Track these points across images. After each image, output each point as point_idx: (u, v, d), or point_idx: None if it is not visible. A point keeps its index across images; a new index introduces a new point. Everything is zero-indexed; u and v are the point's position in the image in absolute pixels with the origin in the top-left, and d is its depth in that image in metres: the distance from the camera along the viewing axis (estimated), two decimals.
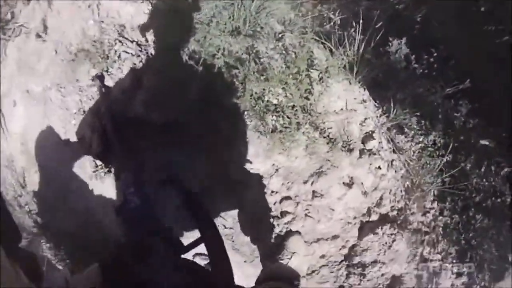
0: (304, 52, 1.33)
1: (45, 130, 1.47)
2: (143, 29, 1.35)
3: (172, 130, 1.24)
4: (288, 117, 1.25)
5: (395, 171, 1.49)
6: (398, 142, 1.51)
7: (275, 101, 1.26)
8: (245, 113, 1.25)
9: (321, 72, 1.31)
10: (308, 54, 1.33)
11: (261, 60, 1.28)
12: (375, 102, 1.48)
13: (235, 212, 1.36)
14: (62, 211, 1.62)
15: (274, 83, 1.24)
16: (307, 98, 1.29)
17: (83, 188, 1.49)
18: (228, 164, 1.28)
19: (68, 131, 1.39)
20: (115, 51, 1.31)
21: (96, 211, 1.50)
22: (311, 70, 1.30)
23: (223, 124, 1.26)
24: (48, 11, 1.59)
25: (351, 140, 1.38)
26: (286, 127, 1.25)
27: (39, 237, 1.76)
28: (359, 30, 1.43)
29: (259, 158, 1.26)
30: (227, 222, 1.37)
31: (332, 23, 1.50)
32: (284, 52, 1.33)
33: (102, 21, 1.41)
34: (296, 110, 1.25)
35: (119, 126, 1.16)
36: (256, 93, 1.23)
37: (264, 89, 1.25)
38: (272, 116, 1.24)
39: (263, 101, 1.24)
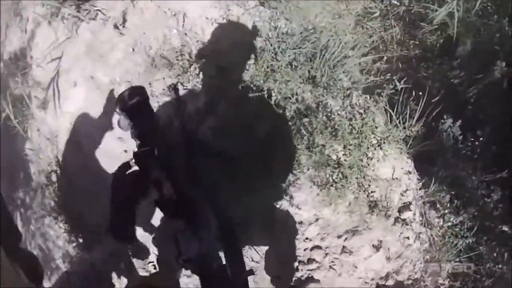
0: (368, 115, 1.39)
1: (101, 121, 1.50)
2: (224, 54, 1.40)
3: (231, 160, 1.28)
4: (342, 174, 1.30)
5: (420, 243, 1.56)
6: (429, 217, 1.58)
7: (334, 157, 1.31)
8: (304, 161, 1.29)
9: (381, 139, 1.37)
10: (371, 117, 1.39)
11: (329, 114, 1.34)
12: (418, 174, 1.55)
13: (265, 248, 1.39)
14: (87, 203, 1.64)
15: (337, 139, 1.30)
16: (361, 160, 1.35)
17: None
18: (271, 204, 1.33)
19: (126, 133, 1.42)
20: (195, 68, 1.35)
21: None
22: (372, 135, 1.36)
23: (280, 165, 1.31)
24: (130, 6, 1.63)
25: (390, 207, 1.44)
26: (338, 183, 1.30)
27: (56, 215, 1.77)
28: (421, 104, 1.50)
29: (307, 206, 1.31)
30: (256, 255, 1.41)
31: (395, 89, 1.57)
32: (350, 110, 1.38)
33: (186, 34, 1.45)
34: (352, 169, 1.30)
35: (189, 145, 1.19)
36: (319, 145, 1.28)
37: (326, 143, 1.30)
38: (328, 170, 1.29)
39: (323, 154, 1.29)
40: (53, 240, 1.82)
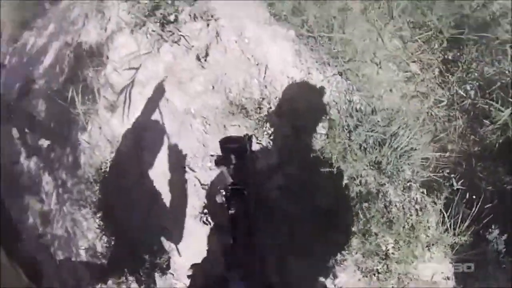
0: (424, 213, 1.39)
1: (170, 145, 1.54)
2: (300, 116, 1.43)
3: (291, 221, 1.29)
4: (387, 267, 1.30)
5: None
6: None
7: (383, 247, 1.30)
8: (355, 244, 1.30)
9: (431, 241, 1.36)
10: (426, 216, 1.39)
11: (388, 204, 1.34)
12: (455, 281, 1.52)
13: None
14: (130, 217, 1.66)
15: (391, 232, 1.29)
16: (408, 257, 1.34)
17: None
18: (316, 275, 1.32)
19: (193, 163, 1.45)
20: (272, 124, 1.37)
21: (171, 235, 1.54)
22: (424, 235, 1.35)
23: (334, 240, 1.31)
24: (214, 41, 1.68)
25: None
26: (382, 274, 1.30)
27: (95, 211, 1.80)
28: (474, 210, 1.49)
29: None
30: None
31: (452, 188, 1.56)
32: (408, 204, 1.38)
33: (266, 86, 1.50)
34: (398, 264, 1.29)
35: (258, 198, 1.22)
36: (372, 233, 1.28)
37: (379, 232, 1.30)
38: (376, 259, 1.29)
39: (371, 243, 1.29)
40: (83, 231, 1.86)
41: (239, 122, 1.40)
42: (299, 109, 1.44)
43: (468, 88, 2.01)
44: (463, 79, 2.00)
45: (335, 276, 1.30)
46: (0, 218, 0.94)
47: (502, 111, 1.78)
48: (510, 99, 1.85)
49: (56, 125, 2.35)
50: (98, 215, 1.78)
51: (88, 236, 1.90)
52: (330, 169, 1.30)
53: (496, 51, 1.92)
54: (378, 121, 1.44)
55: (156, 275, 1.57)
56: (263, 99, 1.45)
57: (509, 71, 1.92)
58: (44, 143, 2.44)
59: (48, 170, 2.32)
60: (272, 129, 1.36)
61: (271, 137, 1.36)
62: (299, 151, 1.34)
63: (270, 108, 1.41)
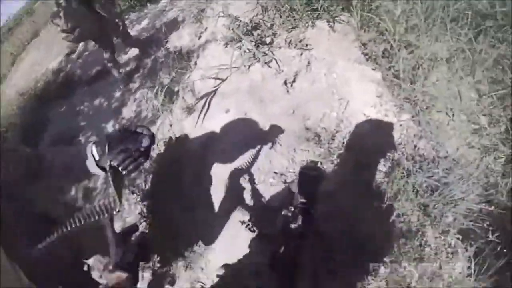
0: (453, 256, 1.61)
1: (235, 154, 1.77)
2: (366, 153, 1.64)
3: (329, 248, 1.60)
4: None
5: None
6: None
7: (408, 280, 1.58)
8: (380, 271, 1.58)
9: (454, 281, 1.60)
10: (455, 261, 1.61)
11: (424, 243, 1.58)
12: None
13: None
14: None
15: (419, 266, 1.55)
16: None
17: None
18: None
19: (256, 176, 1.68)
20: (338, 155, 1.61)
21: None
22: (447, 276, 1.59)
23: (361, 266, 1.60)
24: (303, 70, 1.84)
25: None
26: None
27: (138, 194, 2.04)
28: (501, 262, 1.66)
29: None
30: None
31: (486, 239, 1.74)
32: (441, 247, 1.61)
33: (342, 121, 1.70)
34: None
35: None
36: (402, 266, 1.55)
37: (408, 266, 1.56)
38: None
39: (398, 274, 1.56)
40: (122, 214, 1.96)
41: (309, 148, 1.65)
42: (367, 146, 1.65)
43: None
44: None
45: None
46: (0, 218, 0.94)
47: None
48: None
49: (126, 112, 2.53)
50: (144, 202, 1.92)
51: (126, 220, 2.03)
52: (381, 204, 1.55)
53: None
54: (438, 171, 1.62)
55: (183, 266, 1.68)
56: (337, 131, 1.67)
57: None
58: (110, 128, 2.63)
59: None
60: (338, 160, 1.61)
61: (336, 167, 1.61)
62: (357, 183, 1.59)
63: (343, 141, 1.63)
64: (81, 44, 3.76)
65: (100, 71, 3.27)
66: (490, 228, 1.86)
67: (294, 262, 1.32)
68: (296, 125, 1.74)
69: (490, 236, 1.82)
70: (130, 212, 2.00)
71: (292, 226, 1.31)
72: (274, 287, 1.38)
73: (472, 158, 1.84)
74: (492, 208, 1.90)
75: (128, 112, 2.53)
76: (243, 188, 1.78)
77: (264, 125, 1.79)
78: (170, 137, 2.01)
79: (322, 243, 1.59)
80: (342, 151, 1.64)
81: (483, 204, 1.88)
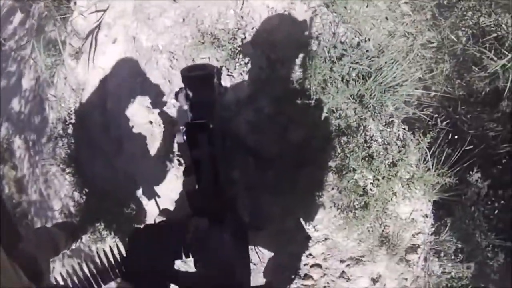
0: (406, 149, 1.34)
1: (132, 84, 1.43)
2: (278, 48, 1.32)
3: (261, 157, 1.24)
4: (365, 203, 1.27)
5: (416, 287, 1.55)
6: (431, 264, 1.56)
7: (361, 183, 1.27)
8: (331, 180, 1.25)
9: (412, 177, 1.33)
10: (408, 153, 1.35)
11: (369, 139, 1.29)
12: (433, 220, 1.52)
13: (268, 254, 1.37)
14: (99, 163, 1.59)
15: (371, 168, 1.25)
16: (387, 193, 1.31)
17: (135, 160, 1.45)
18: (290, 212, 1.29)
19: (158, 103, 1.35)
20: (245, 55, 1.27)
21: (139, 184, 1.48)
22: (405, 172, 1.32)
23: (305, 177, 1.27)
24: None
25: (398, 246, 1.42)
26: (358, 211, 1.27)
27: (64, 167, 1.71)
28: (458, 153, 1.45)
29: (321, 225, 1.28)
30: (256, 259, 1.39)
31: (434, 129, 1.52)
32: (389, 140, 1.34)
33: (242, 17, 1.37)
34: (376, 201, 1.26)
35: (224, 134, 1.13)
36: (351, 168, 1.24)
37: (358, 168, 1.25)
38: (353, 196, 1.26)
39: (349, 179, 1.25)
40: (56, 190, 1.79)
41: (209, 54, 1.29)
42: (277, 40, 1.33)
43: (461, 34, 1.93)
44: (456, 25, 1.90)
45: (310, 213, 1.28)
46: (0, 218, 0.90)
47: (495, 61, 1.71)
48: (505, 52, 1.78)
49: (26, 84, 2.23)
50: (68, 170, 1.68)
51: (61, 195, 1.84)
52: (308, 101, 1.23)
53: (496, 3, 1.83)
54: (367, 51, 1.35)
55: (127, 224, 1.52)
56: (238, 29, 1.33)
57: (506, 25, 1.84)
58: (16, 106, 2.34)
59: (19, 133, 2.23)
60: (245, 60, 1.27)
61: (244, 69, 1.27)
62: (274, 83, 1.26)
63: (245, 38, 1.30)
64: None
65: None
66: (436, 115, 1.66)
67: (219, 193, 0.94)
68: (189, 33, 1.36)
69: (439, 123, 1.63)
70: (61, 186, 1.78)
71: (193, 152, 0.90)
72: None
73: (400, 45, 1.64)
74: (433, 93, 1.72)
75: (27, 82, 2.14)
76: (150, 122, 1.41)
77: (155, 42, 1.40)
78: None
79: (250, 158, 1.22)
80: (248, 50, 1.30)
81: (422, 89, 1.68)
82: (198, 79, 0.94)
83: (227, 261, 0.84)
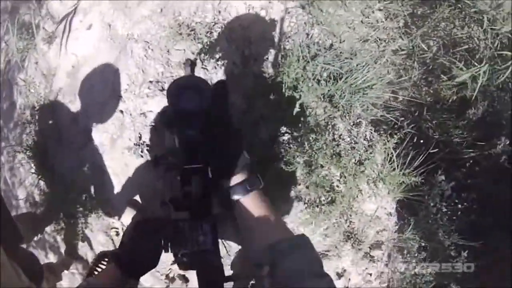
0: (373, 149, 1.40)
1: (104, 73, 1.40)
2: (253, 45, 1.35)
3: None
4: (332, 199, 1.31)
5: (379, 283, 1.60)
6: (395, 261, 1.62)
7: (329, 179, 1.30)
8: (298, 175, 1.28)
9: (378, 175, 1.38)
10: (374, 152, 1.40)
11: (337, 137, 1.33)
12: (397, 218, 1.58)
13: (236, 247, 1.38)
14: (65, 152, 1.55)
15: (338, 164, 1.29)
16: (353, 190, 1.36)
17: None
18: None
19: (129, 91, 1.34)
20: (220, 49, 1.29)
21: (106, 174, 1.45)
22: (371, 170, 1.37)
23: (273, 171, 1.29)
24: None
25: (363, 242, 1.46)
26: (325, 206, 1.31)
27: (30, 155, 1.66)
28: (423, 156, 1.52)
29: (287, 219, 1.30)
30: (223, 251, 1.39)
31: (401, 131, 1.59)
32: (356, 139, 1.38)
33: (220, 12, 1.39)
34: (343, 197, 1.30)
35: None
36: (318, 165, 1.27)
37: (325, 164, 1.29)
38: (320, 191, 1.29)
39: (318, 174, 1.28)
40: (21, 178, 1.72)
41: (185, 46, 1.29)
42: (252, 37, 1.36)
43: (432, 43, 2.02)
44: (428, 34, 1.99)
45: (276, 207, 1.29)
46: (0, 218, 0.90)
47: (464, 71, 1.81)
48: (475, 63, 1.88)
49: None
50: (34, 158, 1.62)
51: (26, 184, 1.77)
52: (279, 98, 1.26)
53: (470, 17, 1.92)
54: (341, 53, 1.39)
55: (93, 216, 1.48)
56: (215, 23, 1.35)
57: (478, 38, 1.94)
58: None
59: None
60: (220, 54, 1.28)
61: (219, 64, 1.28)
62: (247, 79, 1.28)
63: (221, 32, 1.31)
64: None
65: None
66: (402, 119, 1.74)
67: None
68: (166, 24, 1.36)
69: (405, 127, 1.70)
70: (26, 174, 1.73)
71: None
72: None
73: (371, 51, 1.71)
74: (401, 98, 1.80)
75: None
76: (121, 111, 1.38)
77: (131, 31, 1.39)
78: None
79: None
80: (223, 45, 1.31)
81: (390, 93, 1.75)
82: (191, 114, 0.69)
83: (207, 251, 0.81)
